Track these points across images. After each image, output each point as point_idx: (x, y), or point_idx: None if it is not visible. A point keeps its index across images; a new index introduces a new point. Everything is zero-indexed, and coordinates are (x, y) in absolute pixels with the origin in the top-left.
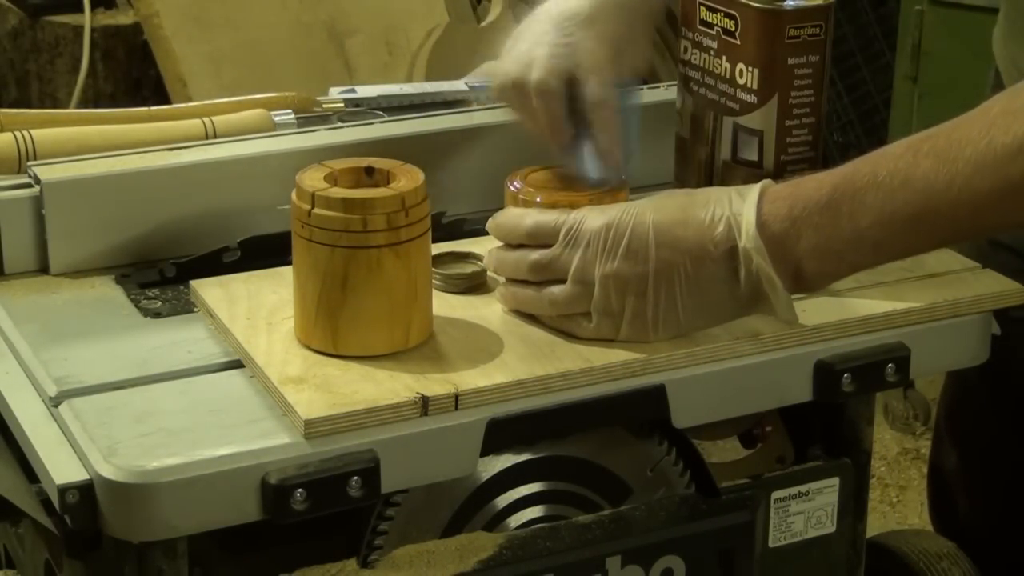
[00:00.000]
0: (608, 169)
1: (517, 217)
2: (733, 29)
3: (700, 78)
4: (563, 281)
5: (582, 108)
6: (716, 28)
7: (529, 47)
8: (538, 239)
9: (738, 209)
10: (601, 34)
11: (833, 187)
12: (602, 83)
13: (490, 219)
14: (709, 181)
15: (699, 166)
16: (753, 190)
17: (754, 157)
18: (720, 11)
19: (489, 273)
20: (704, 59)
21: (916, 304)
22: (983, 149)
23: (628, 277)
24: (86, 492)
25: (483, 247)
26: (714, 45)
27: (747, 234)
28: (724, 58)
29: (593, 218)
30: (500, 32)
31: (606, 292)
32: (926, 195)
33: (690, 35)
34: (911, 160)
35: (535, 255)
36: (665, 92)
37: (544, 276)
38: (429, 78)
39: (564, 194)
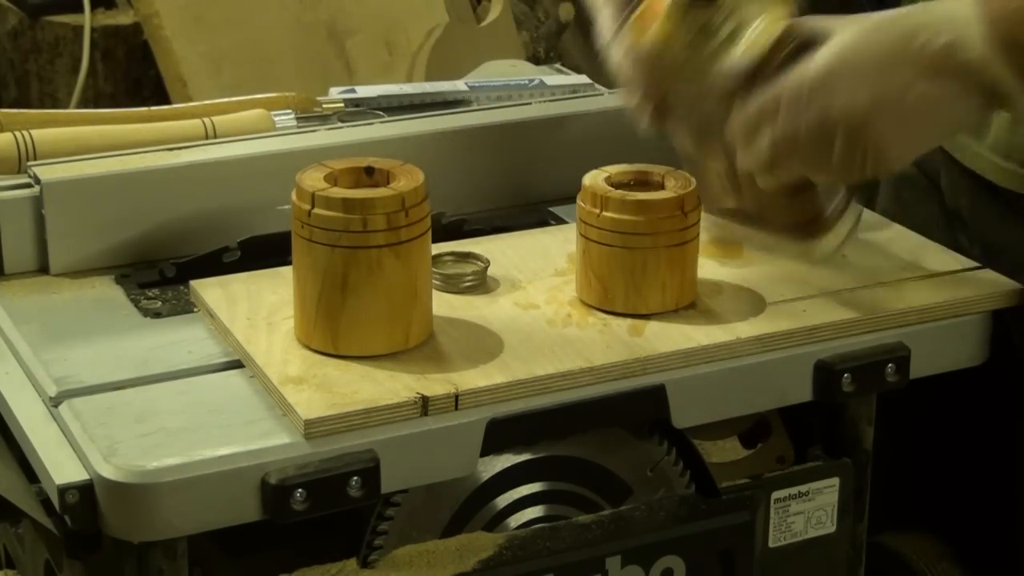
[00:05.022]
0: None
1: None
2: None
3: None
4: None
5: None
6: None
7: None
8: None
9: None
10: None
11: None
12: None
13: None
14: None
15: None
16: None
17: None
18: None
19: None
20: None
21: (916, 304)
22: None
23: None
24: (86, 492)
25: (483, 247)
26: None
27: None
28: None
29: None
30: (500, 32)
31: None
32: None
33: None
34: None
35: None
36: None
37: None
38: (429, 78)
39: None
